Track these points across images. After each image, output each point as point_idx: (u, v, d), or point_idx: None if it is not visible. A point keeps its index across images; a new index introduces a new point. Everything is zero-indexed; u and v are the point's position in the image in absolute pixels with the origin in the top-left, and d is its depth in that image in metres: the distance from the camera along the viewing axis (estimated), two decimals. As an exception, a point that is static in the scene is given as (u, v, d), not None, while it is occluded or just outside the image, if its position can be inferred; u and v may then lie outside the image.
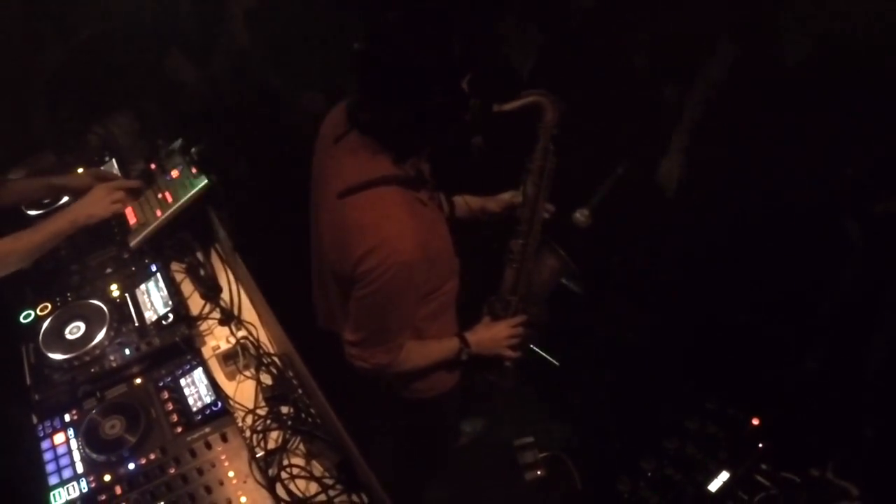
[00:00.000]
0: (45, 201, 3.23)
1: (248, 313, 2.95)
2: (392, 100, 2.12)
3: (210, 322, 2.91)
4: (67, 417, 2.49)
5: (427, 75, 2.07)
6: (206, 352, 2.73)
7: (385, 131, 2.20)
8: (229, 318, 2.89)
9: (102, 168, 3.42)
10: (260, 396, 2.63)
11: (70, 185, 3.08)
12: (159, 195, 3.03)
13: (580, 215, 2.92)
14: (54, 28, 3.91)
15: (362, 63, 2.12)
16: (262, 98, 4.59)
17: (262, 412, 2.56)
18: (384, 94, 2.13)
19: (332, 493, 2.31)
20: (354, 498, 2.31)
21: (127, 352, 2.66)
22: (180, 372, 2.59)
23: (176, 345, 2.67)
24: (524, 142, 2.59)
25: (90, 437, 2.39)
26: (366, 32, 2.12)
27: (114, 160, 3.47)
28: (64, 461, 2.35)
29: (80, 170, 3.35)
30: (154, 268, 2.95)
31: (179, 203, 2.97)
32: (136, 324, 2.77)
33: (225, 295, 3.00)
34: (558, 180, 2.63)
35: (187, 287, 3.03)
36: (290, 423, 2.51)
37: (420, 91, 2.09)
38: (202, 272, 3.01)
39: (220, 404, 2.45)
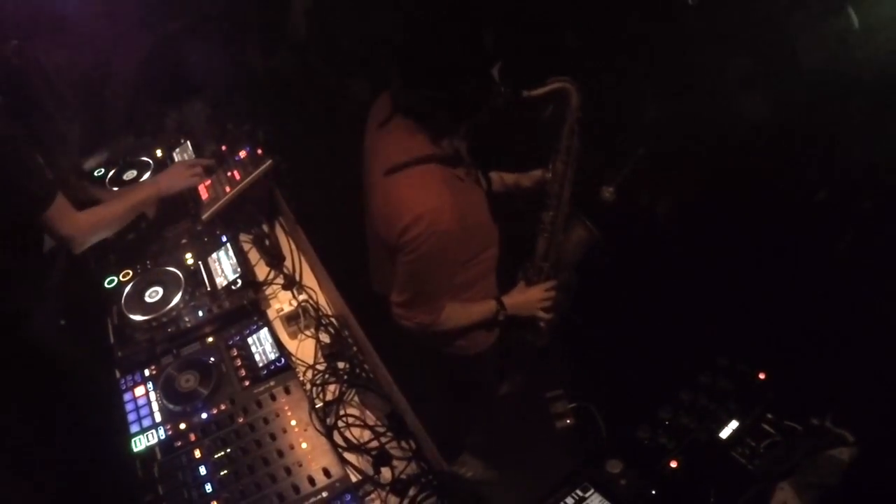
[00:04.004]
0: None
1: (309, 279, 2.92)
2: (430, 86, 2.12)
3: (274, 287, 2.89)
4: (147, 372, 2.48)
5: (460, 64, 2.08)
6: (271, 313, 2.71)
7: (423, 113, 2.19)
8: (291, 283, 2.87)
9: (178, 149, 3.40)
10: (319, 353, 2.61)
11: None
12: (229, 173, 3.03)
13: (606, 192, 2.83)
14: (138, 23, 3.88)
15: (404, 54, 2.15)
16: (319, 86, 4.58)
17: (320, 367, 2.54)
18: (423, 81, 2.13)
19: (383, 439, 2.30)
20: (403, 444, 2.29)
21: (200, 313, 2.64)
22: (248, 331, 2.57)
23: (244, 307, 2.65)
24: (553, 124, 2.51)
25: (167, 390, 2.38)
26: (407, 27, 2.16)
27: (188, 142, 3.42)
28: (144, 411, 2.35)
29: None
30: (224, 238, 2.91)
31: (247, 180, 2.98)
32: (209, 288, 2.74)
33: (287, 263, 2.97)
34: (587, 161, 2.57)
35: (254, 256, 3.00)
36: (345, 377, 2.50)
37: (454, 78, 2.08)
38: (267, 242, 3.01)
39: (283, 360, 2.43)
